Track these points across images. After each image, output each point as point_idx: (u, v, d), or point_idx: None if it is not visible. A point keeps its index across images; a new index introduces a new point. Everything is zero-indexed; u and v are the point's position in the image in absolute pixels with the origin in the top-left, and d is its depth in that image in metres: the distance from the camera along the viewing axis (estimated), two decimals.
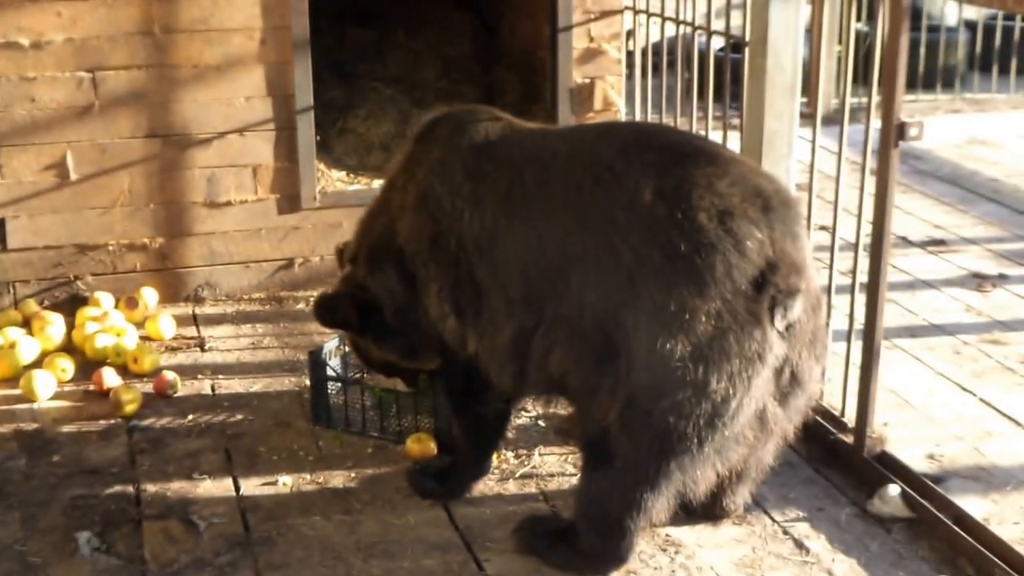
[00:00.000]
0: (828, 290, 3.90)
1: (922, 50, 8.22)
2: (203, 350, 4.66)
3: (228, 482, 3.74)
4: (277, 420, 4.11)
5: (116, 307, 4.83)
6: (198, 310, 5.02)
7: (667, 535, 3.42)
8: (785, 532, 3.46)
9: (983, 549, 3.26)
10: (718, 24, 4.57)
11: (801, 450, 3.81)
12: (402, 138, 5.59)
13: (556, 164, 3.22)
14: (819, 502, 3.60)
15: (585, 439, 3.21)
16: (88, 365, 4.43)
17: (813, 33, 6.92)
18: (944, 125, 7.75)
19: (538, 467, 3.80)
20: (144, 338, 4.68)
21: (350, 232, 5.16)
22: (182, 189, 4.95)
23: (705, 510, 3.45)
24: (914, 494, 3.52)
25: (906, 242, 5.78)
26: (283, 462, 3.85)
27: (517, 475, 3.75)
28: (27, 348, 4.48)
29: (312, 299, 5.07)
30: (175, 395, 4.28)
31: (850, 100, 3.78)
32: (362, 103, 5.72)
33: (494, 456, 3.77)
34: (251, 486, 3.71)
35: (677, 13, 4.81)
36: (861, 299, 3.75)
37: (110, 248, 4.94)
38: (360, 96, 5.79)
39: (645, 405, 2.99)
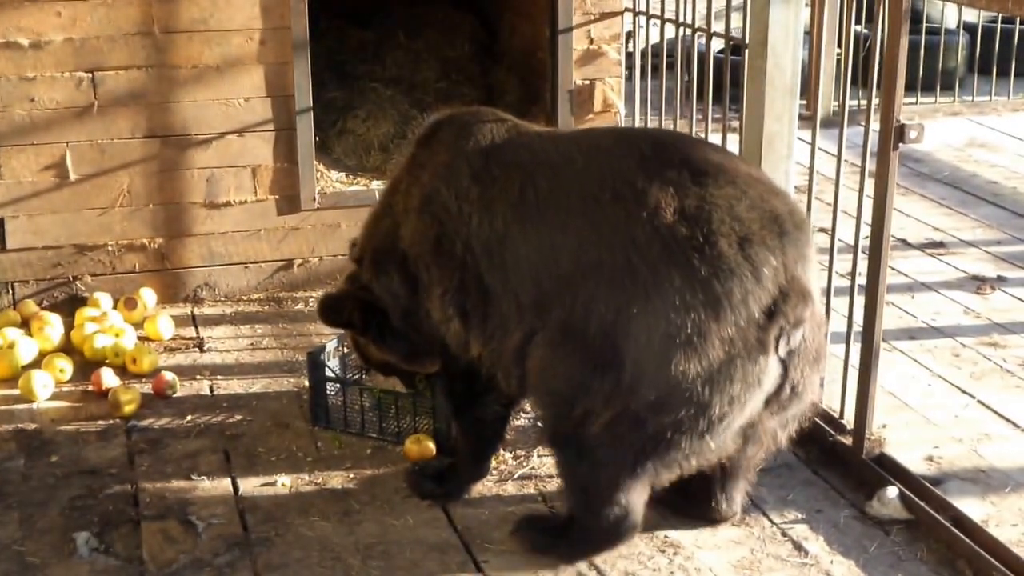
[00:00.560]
0: (827, 292, 3.90)
1: (921, 53, 8.21)
2: (202, 351, 4.66)
3: (227, 482, 3.74)
4: (276, 421, 4.11)
5: (115, 307, 4.83)
6: (197, 311, 5.02)
7: (666, 536, 3.42)
8: (784, 534, 3.46)
9: (981, 551, 3.26)
10: (718, 26, 4.57)
11: (800, 452, 3.81)
12: (402, 139, 5.60)
13: (571, 172, 3.20)
14: (818, 504, 3.61)
15: (555, 437, 3.23)
16: (87, 365, 4.43)
17: (813, 35, 6.93)
18: (943, 128, 7.74)
19: (536, 468, 3.80)
20: (143, 338, 4.68)
21: (349, 233, 5.19)
22: (181, 190, 4.95)
23: (701, 513, 3.46)
24: (913, 496, 3.52)
25: (905, 244, 5.78)
26: (282, 463, 3.85)
27: (516, 476, 3.75)
28: (26, 348, 4.48)
29: (312, 299, 5.09)
30: (174, 396, 4.28)
31: (849, 102, 3.79)
32: (362, 104, 5.72)
33: (493, 457, 3.77)
34: (250, 487, 3.71)
35: (677, 15, 4.81)
36: (860, 301, 3.75)
37: (109, 248, 4.94)
38: (360, 97, 5.79)
39: (644, 415, 3.02)
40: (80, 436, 4.02)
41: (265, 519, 3.54)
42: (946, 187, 6.70)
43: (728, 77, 4.34)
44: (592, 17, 5.26)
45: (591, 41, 5.28)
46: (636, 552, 3.32)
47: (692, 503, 3.44)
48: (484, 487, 3.68)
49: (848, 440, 3.77)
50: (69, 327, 4.67)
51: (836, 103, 7.33)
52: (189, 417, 4.14)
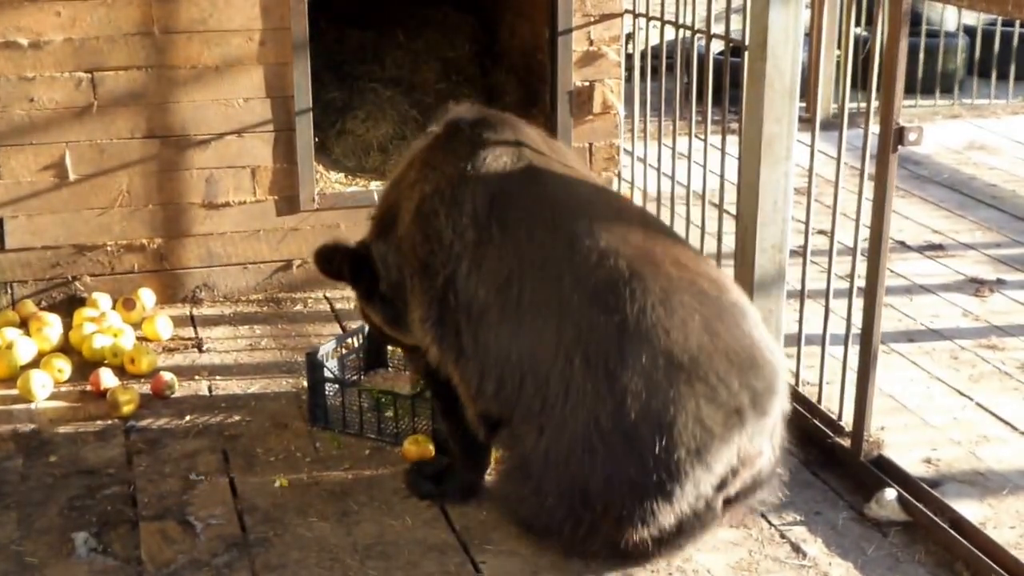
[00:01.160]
0: (826, 294, 3.90)
1: (921, 55, 8.22)
2: (201, 351, 4.66)
3: (225, 483, 3.73)
4: (274, 421, 4.11)
5: (114, 308, 4.83)
6: (196, 311, 5.02)
7: None
8: (782, 536, 3.46)
9: (979, 553, 3.27)
10: (717, 28, 4.57)
11: (798, 454, 3.81)
12: (401, 140, 5.60)
13: (570, 271, 3.09)
14: (816, 506, 3.61)
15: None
16: (85, 366, 4.43)
17: (812, 37, 6.93)
18: (943, 130, 7.75)
19: None
20: (141, 339, 4.68)
21: (349, 233, 5.19)
22: (180, 190, 4.95)
23: None
24: (911, 498, 3.52)
25: (904, 247, 5.78)
26: (280, 463, 3.85)
27: None
28: (24, 348, 4.48)
29: (311, 300, 5.10)
30: (172, 396, 4.28)
31: (849, 105, 3.79)
32: (361, 105, 5.72)
33: (491, 458, 3.77)
34: (248, 487, 3.71)
35: (677, 17, 4.81)
36: (859, 303, 3.75)
37: (108, 249, 4.94)
38: (359, 98, 5.79)
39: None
40: (78, 436, 4.01)
41: (263, 519, 3.54)
42: (945, 190, 6.70)
43: (728, 79, 4.35)
44: (592, 19, 5.26)
45: (591, 43, 5.28)
46: None
47: None
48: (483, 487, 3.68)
49: (846, 442, 3.77)
50: (68, 327, 4.67)
51: (836, 105, 7.34)
52: (188, 417, 4.14)
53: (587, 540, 3.15)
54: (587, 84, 5.33)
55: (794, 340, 4.08)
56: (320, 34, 5.83)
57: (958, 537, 3.34)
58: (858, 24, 8.20)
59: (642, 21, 5.17)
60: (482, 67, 6.21)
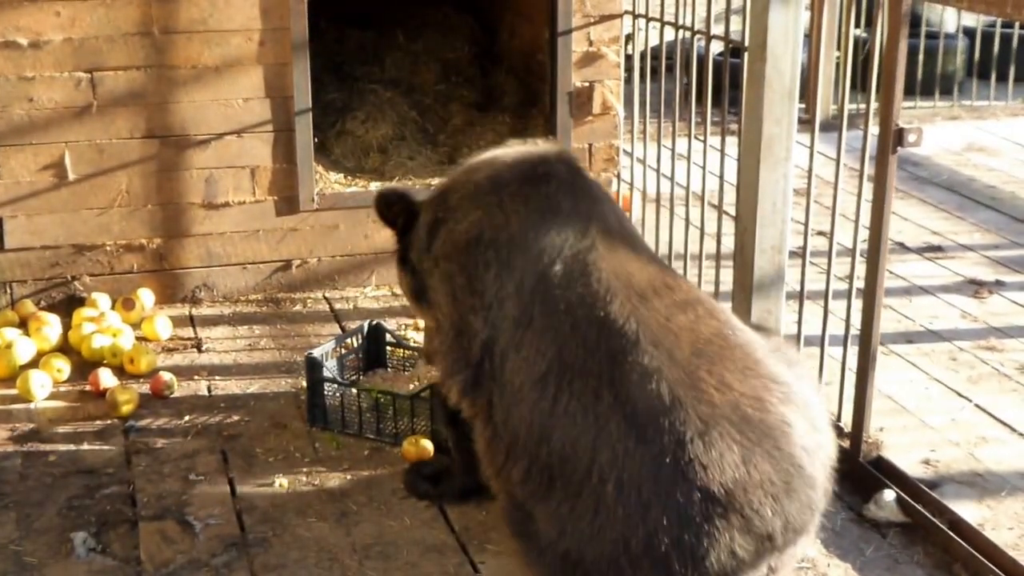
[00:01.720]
0: (825, 295, 3.90)
1: (921, 57, 8.23)
2: (200, 351, 4.66)
3: (224, 483, 3.74)
4: (273, 421, 4.11)
5: (113, 308, 4.83)
6: (195, 311, 5.02)
7: None
8: None
9: (978, 554, 3.27)
10: (717, 29, 4.57)
11: None
12: (401, 140, 5.60)
13: (610, 389, 2.96)
14: None
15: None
16: (84, 365, 4.43)
17: (812, 39, 6.93)
18: (942, 132, 7.76)
19: None
20: (140, 339, 4.68)
21: (348, 234, 5.21)
22: (180, 190, 4.95)
23: None
24: (909, 499, 3.52)
25: (903, 248, 5.78)
26: (279, 463, 3.85)
27: None
28: (23, 348, 4.48)
29: (310, 300, 5.10)
30: (171, 396, 4.28)
31: (848, 106, 3.79)
32: (361, 105, 5.72)
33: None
34: (247, 487, 3.71)
35: (676, 17, 4.81)
36: (858, 304, 3.76)
37: (107, 248, 4.94)
38: (359, 98, 5.79)
39: None
40: (78, 436, 4.01)
41: (262, 519, 3.54)
42: (944, 191, 6.71)
43: (727, 80, 4.35)
44: (592, 19, 5.26)
45: (591, 43, 5.28)
46: None
47: None
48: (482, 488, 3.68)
49: (845, 443, 3.77)
50: (67, 327, 4.67)
51: (835, 106, 7.34)
52: (187, 417, 4.14)
53: None
54: (587, 85, 5.33)
55: (793, 341, 4.08)
56: (320, 34, 5.83)
57: (957, 538, 3.34)
58: (858, 25, 8.20)
59: (642, 22, 5.17)
60: (482, 68, 6.22)
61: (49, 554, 3.37)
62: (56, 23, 4.66)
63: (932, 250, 5.79)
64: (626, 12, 5.30)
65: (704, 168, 4.72)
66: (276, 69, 4.92)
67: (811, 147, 3.95)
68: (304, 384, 4.20)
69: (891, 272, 5.14)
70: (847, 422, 3.79)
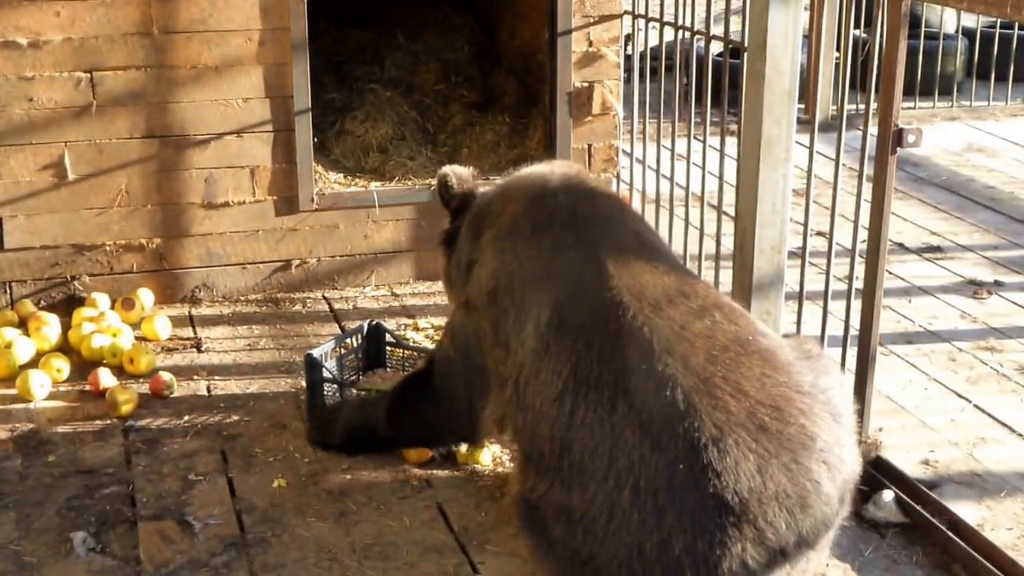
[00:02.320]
0: (825, 295, 3.90)
1: (920, 57, 8.23)
2: (199, 351, 4.66)
3: (223, 483, 3.74)
4: (273, 421, 4.11)
5: (112, 308, 4.83)
6: (195, 311, 5.02)
7: None
8: None
9: (977, 555, 3.27)
10: (717, 29, 4.57)
11: None
12: (400, 140, 5.60)
13: (624, 399, 2.99)
14: None
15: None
16: (84, 365, 4.43)
17: (811, 39, 6.94)
18: (941, 132, 7.76)
19: None
20: (140, 339, 4.68)
21: (348, 234, 5.22)
22: (180, 190, 4.95)
23: None
24: (908, 499, 3.52)
25: (903, 248, 5.78)
26: (279, 463, 3.85)
27: None
28: (23, 348, 4.47)
29: (310, 300, 5.10)
30: (171, 396, 4.28)
31: (848, 106, 3.79)
32: (360, 105, 5.72)
33: (490, 460, 3.78)
34: (246, 487, 3.71)
35: (676, 18, 4.81)
36: (857, 305, 3.76)
37: (107, 248, 4.94)
38: (358, 98, 5.79)
39: None
40: (77, 436, 4.01)
41: (262, 519, 3.54)
42: (944, 192, 6.71)
43: (727, 80, 4.35)
44: (591, 20, 5.27)
45: (590, 43, 5.28)
46: None
47: None
48: (482, 489, 3.68)
49: None
50: (66, 327, 4.67)
51: (835, 107, 7.34)
52: (186, 417, 4.14)
53: None
54: (586, 85, 5.33)
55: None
56: (320, 34, 5.83)
57: (956, 539, 3.34)
58: (857, 26, 8.20)
59: (641, 22, 5.17)
60: (482, 68, 6.22)
61: (49, 554, 3.37)
62: (56, 23, 4.66)
63: (931, 250, 5.79)
64: (626, 12, 5.30)
65: (704, 168, 4.72)
66: (276, 69, 4.92)
67: (810, 147, 3.95)
68: (304, 384, 4.20)
69: (890, 272, 5.14)
70: None
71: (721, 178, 4.86)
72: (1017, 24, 8.59)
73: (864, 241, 3.66)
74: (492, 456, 3.83)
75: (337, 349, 4.20)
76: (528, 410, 3.15)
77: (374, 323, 4.38)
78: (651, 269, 3.23)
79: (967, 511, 3.51)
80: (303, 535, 3.46)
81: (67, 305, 4.88)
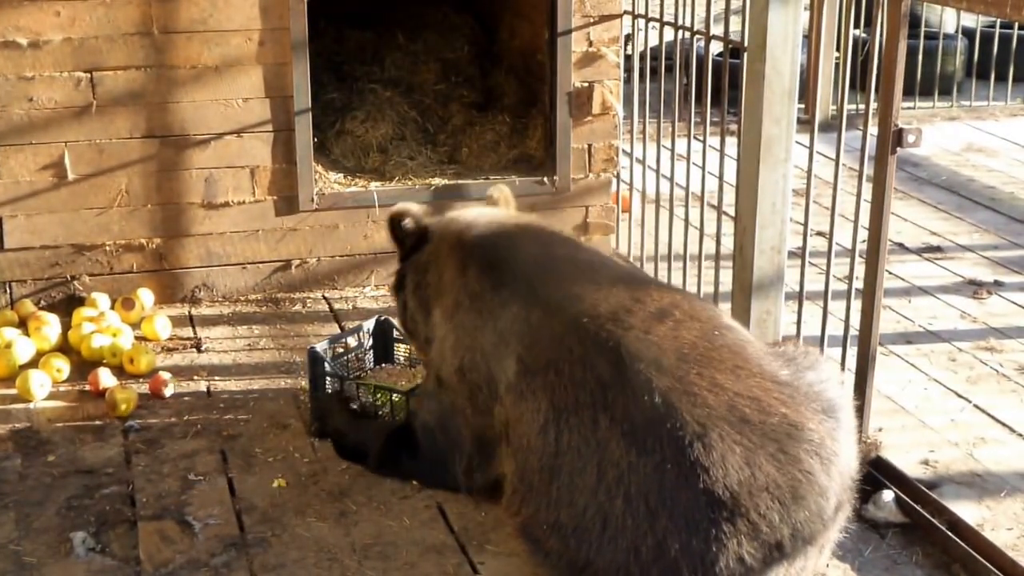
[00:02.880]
0: (825, 295, 3.90)
1: (920, 57, 8.23)
2: (199, 351, 4.66)
3: (223, 483, 3.73)
4: (273, 421, 4.11)
5: (112, 308, 4.83)
6: (195, 311, 5.02)
7: None
8: None
9: (977, 555, 3.27)
10: (717, 29, 4.58)
11: None
12: (400, 140, 5.59)
13: (604, 412, 3.02)
14: None
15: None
16: (84, 365, 4.43)
17: (811, 39, 6.94)
18: (941, 132, 7.76)
19: None
20: (140, 339, 4.68)
21: (348, 234, 5.21)
22: (180, 190, 4.95)
23: None
24: (908, 499, 3.52)
25: (902, 248, 5.78)
26: (278, 463, 3.85)
27: None
28: (23, 348, 4.48)
29: (310, 300, 5.10)
30: (171, 396, 4.28)
31: (848, 106, 3.79)
32: (360, 105, 5.72)
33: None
34: (246, 487, 3.71)
35: (676, 18, 4.81)
36: (857, 305, 3.76)
37: (107, 248, 4.94)
38: (358, 98, 5.79)
39: None
40: (77, 436, 4.01)
41: (262, 519, 3.54)
42: (943, 192, 6.71)
43: (727, 80, 4.35)
44: (591, 20, 5.26)
45: (590, 43, 5.28)
46: None
47: None
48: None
49: None
50: (66, 327, 4.67)
51: (834, 107, 7.35)
52: (186, 417, 4.14)
53: None
54: (586, 85, 5.33)
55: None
56: (320, 34, 5.83)
57: (955, 539, 3.34)
58: (857, 26, 8.20)
59: (641, 22, 5.17)
60: (481, 68, 6.21)
61: (48, 554, 3.37)
62: (56, 23, 4.66)
63: (931, 251, 5.79)
64: (626, 12, 5.30)
65: (703, 168, 4.72)
66: (276, 69, 4.92)
67: (810, 147, 3.95)
68: (304, 384, 4.20)
69: (890, 272, 5.14)
70: None
71: (721, 178, 4.86)
72: (1017, 24, 8.59)
73: (864, 241, 3.66)
74: None
75: (341, 343, 4.22)
76: (518, 452, 3.20)
77: (382, 318, 4.39)
78: (595, 287, 3.30)
79: (967, 511, 3.51)
80: (303, 535, 3.46)
81: (67, 305, 4.88)
